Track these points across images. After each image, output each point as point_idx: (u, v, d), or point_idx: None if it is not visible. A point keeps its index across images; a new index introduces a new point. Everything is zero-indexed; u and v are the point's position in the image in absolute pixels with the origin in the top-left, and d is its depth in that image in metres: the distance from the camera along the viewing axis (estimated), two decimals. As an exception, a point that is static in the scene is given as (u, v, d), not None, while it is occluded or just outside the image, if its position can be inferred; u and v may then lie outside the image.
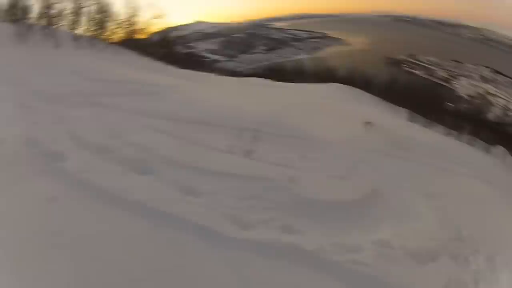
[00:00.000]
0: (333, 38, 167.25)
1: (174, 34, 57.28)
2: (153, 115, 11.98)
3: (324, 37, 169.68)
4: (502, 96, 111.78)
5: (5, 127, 8.56)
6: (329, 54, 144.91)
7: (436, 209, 8.97)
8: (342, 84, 53.27)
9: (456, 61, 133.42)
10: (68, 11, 36.24)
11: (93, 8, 37.55)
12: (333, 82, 55.19)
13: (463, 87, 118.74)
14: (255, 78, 51.57)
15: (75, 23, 36.42)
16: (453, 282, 5.90)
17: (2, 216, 5.14)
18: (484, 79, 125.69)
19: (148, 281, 4.41)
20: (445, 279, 5.89)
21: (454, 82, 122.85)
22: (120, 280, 4.39)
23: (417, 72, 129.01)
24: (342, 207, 7.52)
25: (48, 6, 33.92)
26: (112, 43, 38.24)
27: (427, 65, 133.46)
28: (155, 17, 41.37)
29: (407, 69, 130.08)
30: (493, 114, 78.14)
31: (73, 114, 10.43)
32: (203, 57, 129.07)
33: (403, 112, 45.30)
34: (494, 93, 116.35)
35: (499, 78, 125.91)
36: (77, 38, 32.99)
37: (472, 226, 8.57)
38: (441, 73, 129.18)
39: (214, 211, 6.04)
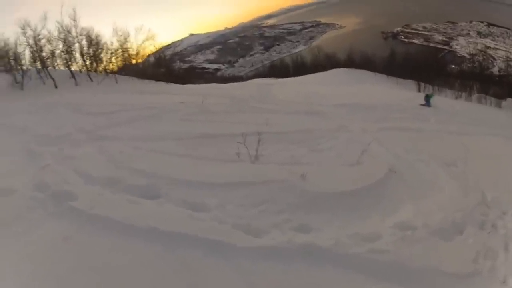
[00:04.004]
0: (326, 24, 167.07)
1: (169, 52, 57.33)
2: (155, 138, 12.08)
3: (317, 25, 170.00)
4: (501, 48, 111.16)
5: (14, 176, 8.59)
6: (325, 41, 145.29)
7: (457, 176, 8.80)
8: (343, 68, 53.12)
9: (450, 22, 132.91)
10: (60, 51, 36.32)
11: (84, 42, 37.60)
12: (334, 67, 55.07)
13: (463, 46, 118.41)
14: (257, 79, 51.64)
15: (69, 60, 36.48)
16: (482, 253, 5.73)
17: (22, 263, 5.21)
18: (481, 35, 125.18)
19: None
20: (474, 251, 5.73)
21: (453, 44, 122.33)
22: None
23: (415, 41, 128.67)
24: (358, 195, 7.39)
25: (39, 49, 34.00)
26: (109, 73, 38.32)
27: (423, 32, 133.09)
28: (147, 39, 41.34)
29: (404, 40, 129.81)
30: (496, 67, 77.63)
31: (77, 152, 10.48)
32: (204, 68, 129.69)
33: (410, 84, 45.01)
34: (494, 46, 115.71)
35: (495, 30, 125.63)
36: (74, 75, 33.09)
37: (496, 188, 8.39)
38: (439, 37, 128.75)
39: (224, 224, 6.01)
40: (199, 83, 41.03)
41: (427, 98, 24.16)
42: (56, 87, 29.90)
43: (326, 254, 5.22)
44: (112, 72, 39.28)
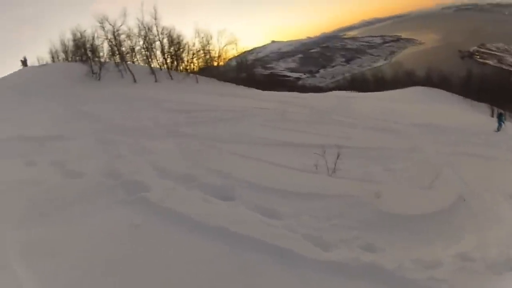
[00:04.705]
0: (406, 39, 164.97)
1: (251, 57, 57.85)
2: (233, 140, 12.17)
3: (397, 39, 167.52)
4: None
5: (84, 161, 8.98)
6: (405, 56, 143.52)
7: None
8: (421, 87, 52.18)
9: None
10: (140, 47, 37.19)
11: (165, 41, 38.32)
12: (413, 85, 54.27)
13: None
14: (337, 91, 51.36)
15: (149, 57, 37.31)
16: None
17: (86, 242, 5.42)
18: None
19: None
20: None
21: None
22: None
23: (489, 61, 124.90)
24: (427, 220, 7.29)
25: (118, 44, 34.93)
26: (190, 72, 38.83)
27: (497, 53, 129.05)
28: (229, 43, 41.72)
29: (480, 60, 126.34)
30: None
31: (154, 145, 10.81)
32: (285, 76, 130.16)
33: (484, 107, 43.62)
34: None
35: None
36: (154, 72, 33.70)
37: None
38: (511, 59, 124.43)
39: (295, 233, 5.96)
40: (279, 90, 40.94)
41: (500, 117, 23.53)
42: (135, 81, 30.62)
43: (389, 276, 5.12)
44: (193, 72, 39.86)
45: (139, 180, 7.67)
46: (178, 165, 9.04)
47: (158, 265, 4.94)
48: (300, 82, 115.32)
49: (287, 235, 5.82)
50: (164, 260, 5.03)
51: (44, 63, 39.50)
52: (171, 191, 7.29)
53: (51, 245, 5.31)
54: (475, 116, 31.54)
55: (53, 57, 42.39)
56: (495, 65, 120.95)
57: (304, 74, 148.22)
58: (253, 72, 54.18)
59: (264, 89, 39.24)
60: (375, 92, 46.97)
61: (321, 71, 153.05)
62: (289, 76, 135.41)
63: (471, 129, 21.04)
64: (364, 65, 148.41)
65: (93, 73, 30.35)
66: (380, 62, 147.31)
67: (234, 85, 37.45)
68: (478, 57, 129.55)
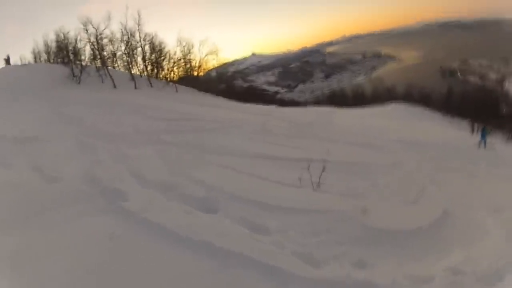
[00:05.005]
0: (388, 55, 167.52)
1: (232, 69, 58.17)
2: (216, 151, 11.96)
3: (378, 56, 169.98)
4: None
5: (63, 165, 8.68)
6: (385, 73, 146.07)
7: (503, 224, 8.40)
8: (401, 103, 52.79)
9: (504, 57, 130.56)
10: (122, 52, 37.11)
11: (147, 48, 38.27)
12: (393, 101, 54.90)
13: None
14: (317, 106, 51.72)
15: (130, 63, 37.23)
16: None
17: (62, 252, 5.13)
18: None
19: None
20: None
21: (507, 83, 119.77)
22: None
23: (471, 78, 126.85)
24: (414, 234, 7.25)
25: (100, 48, 34.85)
26: (170, 81, 38.81)
27: (478, 69, 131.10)
28: (210, 53, 41.76)
29: (461, 77, 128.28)
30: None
31: (134, 152, 10.55)
32: (263, 90, 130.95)
33: (462, 123, 44.25)
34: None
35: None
36: (134, 78, 33.63)
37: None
38: (493, 75, 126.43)
39: (283, 250, 5.81)
40: (258, 103, 41.07)
41: (484, 132, 23.53)
42: (115, 86, 30.46)
43: None
44: (173, 81, 39.85)
45: (118, 188, 7.42)
46: (158, 173, 8.82)
47: (141, 278, 4.70)
48: (278, 96, 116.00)
49: (275, 251, 5.64)
50: (147, 274, 4.78)
51: (26, 62, 39.35)
52: (151, 201, 7.06)
53: (29, 253, 5.07)
54: (455, 133, 32.04)
55: (35, 57, 42.17)
56: (476, 82, 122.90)
57: (283, 89, 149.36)
58: (233, 84, 54.56)
59: (243, 101, 39.29)
60: (355, 108, 47.41)
61: (300, 85, 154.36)
62: (267, 90, 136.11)
63: (451, 145, 21.42)
64: (344, 81, 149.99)
65: (74, 76, 30.19)
66: (360, 78, 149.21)
67: (213, 96, 37.48)
68: (459, 74, 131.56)
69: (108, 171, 8.57)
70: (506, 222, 8.47)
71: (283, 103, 70.19)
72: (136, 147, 11.17)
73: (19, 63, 38.21)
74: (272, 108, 35.58)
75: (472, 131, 40.53)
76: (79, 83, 29.55)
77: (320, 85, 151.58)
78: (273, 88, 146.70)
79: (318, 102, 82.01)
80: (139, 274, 4.77)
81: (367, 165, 12.56)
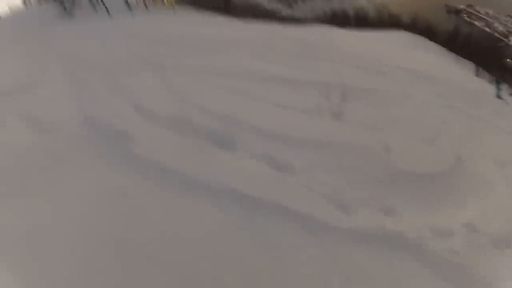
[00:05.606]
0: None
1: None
2: (223, 73, 11.08)
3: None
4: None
5: (59, 111, 7.92)
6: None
7: (507, 180, 8.17)
8: (407, 32, 51.69)
9: (510, 16, 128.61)
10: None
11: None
12: (397, 29, 53.79)
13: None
14: (319, 25, 50.71)
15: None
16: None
17: (66, 218, 4.65)
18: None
19: (242, 281, 4.06)
20: None
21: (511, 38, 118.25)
22: (209, 283, 4.03)
23: (476, 23, 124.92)
24: (433, 180, 7.01)
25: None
26: (165, 2, 37.64)
27: (485, 17, 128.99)
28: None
29: (467, 19, 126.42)
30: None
31: (134, 82, 9.77)
32: (261, 5, 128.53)
33: (467, 64, 43.52)
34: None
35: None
36: (128, 3, 32.58)
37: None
38: (500, 27, 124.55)
39: (313, 192, 5.50)
40: (258, 20, 39.97)
41: (498, 84, 22.13)
42: (109, 14, 29.38)
43: (413, 247, 4.96)
44: (168, 2, 38.56)
45: (122, 129, 6.75)
46: (165, 106, 8.04)
47: (162, 243, 4.30)
48: (278, 13, 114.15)
49: (305, 195, 5.35)
50: (167, 237, 4.38)
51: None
52: (161, 140, 6.55)
53: (31, 231, 4.44)
54: (461, 71, 31.32)
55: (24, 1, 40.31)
56: (483, 27, 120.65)
57: (282, 5, 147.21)
58: (231, 0, 52.88)
59: (242, 17, 38.17)
60: (358, 31, 46.39)
61: (300, 3, 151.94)
62: (265, 6, 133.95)
63: (459, 84, 20.42)
64: (346, 1, 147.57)
65: (65, 10, 29.09)
66: (363, 1, 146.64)
67: (212, 14, 36.38)
68: (465, 15, 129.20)
69: (108, 109, 7.80)
70: (509, 179, 8.27)
71: (283, 20, 68.64)
72: (136, 76, 10.39)
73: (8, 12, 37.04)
74: (275, 26, 34.65)
75: (477, 74, 39.67)
76: (72, 17, 28.54)
77: (320, 3, 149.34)
78: (272, 5, 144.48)
79: (319, 20, 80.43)
80: (159, 239, 4.35)
81: (380, 93, 11.93)
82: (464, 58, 45.93)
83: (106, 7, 29.69)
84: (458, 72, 28.90)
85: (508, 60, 59.55)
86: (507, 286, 5.02)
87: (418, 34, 51.93)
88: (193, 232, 4.46)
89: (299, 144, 6.82)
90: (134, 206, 4.81)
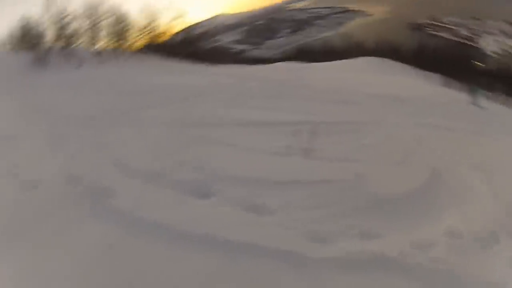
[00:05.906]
0: (355, 11, 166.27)
1: (196, 31, 56.89)
2: (195, 123, 11.54)
3: (345, 11, 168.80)
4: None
5: (41, 164, 8.18)
6: (353, 28, 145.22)
7: (489, 184, 8.42)
8: (372, 57, 52.50)
9: (476, 18, 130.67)
10: (85, 28, 36.12)
11: (110, 20, 37.27)
12: (363, 55, 54.59)
13: (488, 44, 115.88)
14: (286, 62, 51.14)
15: (93, 39, 36.36)
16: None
17: (55, 272, 4.72)
18: (506, 35, 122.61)
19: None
20: (507, 260, 5.54)
21: (479, 40, 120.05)
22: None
23: (441, 34, 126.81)
24: (408, 198, 7.15)
25: (63, 27, 33.87)
26: (135, 51, 37.88)
27: (449, 26, 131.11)
28: (175, 18, 40.89)
29: (431, 32, 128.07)
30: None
31: (113, 137, 10.05)
32: (229, 48, 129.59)
33: (436, 78, 44.13)
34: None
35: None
36: (98, 54, 32.78)
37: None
38: (465, 32, 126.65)
39: (291, 230, 5.63)
40: (226, 63, 40.42)
41: (473, 91, 22.67)
42: (81, 65, 29.52)
43: (394, 264, 5.04)
44: (138, 51, 38.84)
45: (103, 184, 6.98)
46: (141, 160, 8.37)
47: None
48: (245, 54, 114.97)
49: (283, 234, 5.48)
50: (152, 283, 4.49)
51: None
52: (141, 194, 6.70)
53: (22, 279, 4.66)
54: (430, 87, 31.99)
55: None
56: (447, 37, 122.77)
57: (249, 46, 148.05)
58: (198, 46, 53.29)
59: (210, 62, 38.62)
60: (325, 63, 47.06)
61: (267, 42, 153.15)
62: (233, 48, 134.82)
63: (429, 100, 21.01)
64: (311, 36, 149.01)
65: (39, 61, 29.15)
66: (328, 33, 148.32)
67: (180, 61, 36.65)
68: (429, 29, 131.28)
69: (88, 165, 8.08)
70: (490, 182, 8.48)
71: (250, 61, 69.40)
72: (113, 130, 10.64)
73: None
74: (242, 68, 35.12)
75: (447, 85, 40.39)
76: (45, 67, 28.59)
77: (285, 41, 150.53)
78: (239, 47, 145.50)
79: (286, 58, 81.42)
80: (147, 284, 4.49)
81: (350, 125, 12.25)
82: (433, 71, 46.95)
83: (78, 59, 30.01)
84: (427, 88, 30.10)
85: (477, 62, 60.55)
86: (501, 277, 5.17)
87: (384, 57, 53.02)
88: (179, 280, 4.55)
89: (272, 186, 7.03)
90: (121, 260, 4.92)
